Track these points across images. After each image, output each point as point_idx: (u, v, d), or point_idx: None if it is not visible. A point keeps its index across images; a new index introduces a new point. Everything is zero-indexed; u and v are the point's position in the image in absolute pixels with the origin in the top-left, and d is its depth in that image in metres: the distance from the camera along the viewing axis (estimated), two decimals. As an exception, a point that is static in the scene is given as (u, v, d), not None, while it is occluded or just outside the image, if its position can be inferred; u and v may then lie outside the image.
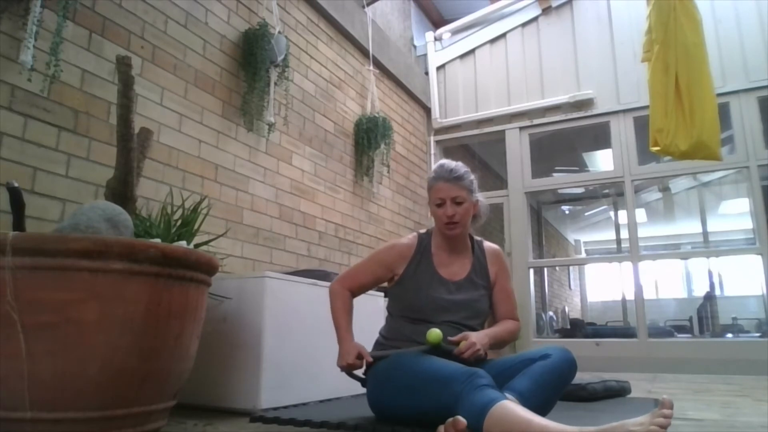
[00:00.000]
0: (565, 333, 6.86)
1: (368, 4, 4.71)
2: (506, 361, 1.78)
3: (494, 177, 7.09)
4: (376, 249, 1.96)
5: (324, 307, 2.51)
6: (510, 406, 1.34)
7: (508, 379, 1.64)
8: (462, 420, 1.30)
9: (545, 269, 8.82)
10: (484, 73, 5.79)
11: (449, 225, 1.83)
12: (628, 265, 5.06)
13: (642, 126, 4.73)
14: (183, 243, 1.79)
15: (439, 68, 5.99)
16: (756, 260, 4.52)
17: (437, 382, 1.51)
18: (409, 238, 1.96)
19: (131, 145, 1.75)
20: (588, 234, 11.86)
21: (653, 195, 8.30)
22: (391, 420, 1.75)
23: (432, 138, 5.86)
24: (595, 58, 5.26)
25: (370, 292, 2.94)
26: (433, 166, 1.95)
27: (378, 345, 1.96)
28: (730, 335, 6.92)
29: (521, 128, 5.51)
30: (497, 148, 5.82)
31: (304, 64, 3.84)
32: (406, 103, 5.43)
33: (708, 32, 3.35)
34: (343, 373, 1.84)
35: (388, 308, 2.00)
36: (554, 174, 7.01)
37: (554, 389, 1.66)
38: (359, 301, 2.80)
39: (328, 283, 2.56)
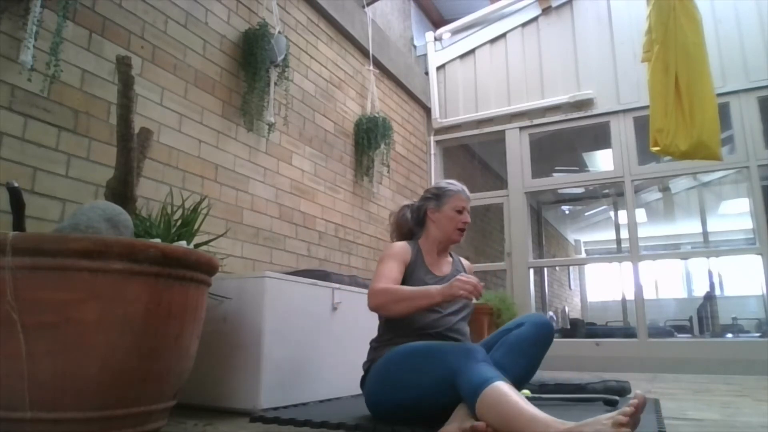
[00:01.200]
0: (565, 333, 6.86)
1: (368, 4, 4.71)
2: (487, 339, 1.90)
3: (494, 177, 7.09)
4: (382, 256, 1.98)
5: (324, 307, 2.52)
6: (503, 390, 1.40)
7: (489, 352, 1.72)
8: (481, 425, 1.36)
9: (545, 269, 8.82)
10: (484, 73, 5.79)
11: (461, 231, 2.05)
12: (628, 265, 5.06)
13: (642, 126, 4.73)
14: (183, 243, 1.79)
15: (439, 68, 5.99)
16: (756, 260, 4.52)
17: (434, 356, 1.61)
18: (400, 242, 2.07)
19: (131, 145, 1.75)
20: (588, 234, 11.87)
21: (653, 195, 8.31)
22: (391, 420, 1.76)
23: (432, 138, 5.86)
24: (595, 58, 5.26)
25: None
26: (442, 182, 2.14)
27: (373, 352, 1.98)
28: (730, 335, 6.93)
29: (521, 128, 5.51)
30: (497, 148, 5.82)
31: (304, 64, 3.84)
32: (406, 103, 5.43)
33: (708, 32, 3.35)
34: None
35: None
36: (554, 174, 7.01)
37: (532, 355, 1.74)
38: (360, 302, 2.81)
39: (328, 284, 2.57)
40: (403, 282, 1.93)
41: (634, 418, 1.23)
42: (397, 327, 1.90)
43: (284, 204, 3.48)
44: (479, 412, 1.41)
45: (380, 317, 2.02)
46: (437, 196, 2.07)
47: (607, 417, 1.26)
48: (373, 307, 1.82)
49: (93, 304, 1.34)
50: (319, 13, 4.07)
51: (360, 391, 2.64)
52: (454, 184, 2.09)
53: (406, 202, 2.22)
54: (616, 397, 2.21)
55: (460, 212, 2.03)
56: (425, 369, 1.62)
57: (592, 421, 1.27)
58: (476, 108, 5.74)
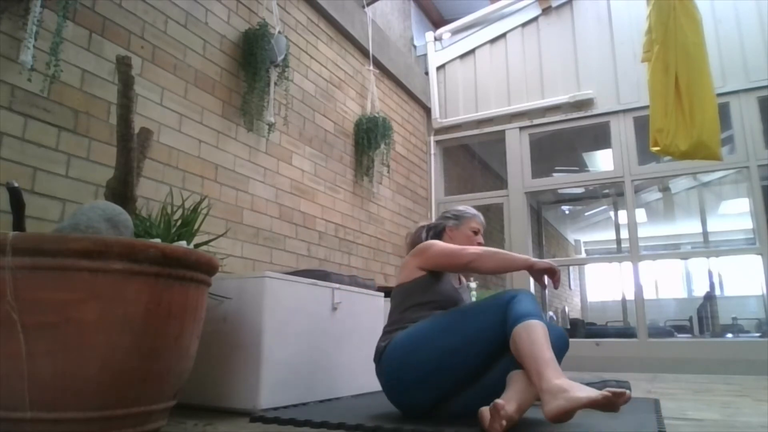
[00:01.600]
0: (565, 333, 6.84)
1: (368, 4, 4.71)
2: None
3: (494, 177, 7.09)
4: (430, 244, 2.07)
5: (324, 307, 2.52)
6: (540, 329, 1.63)
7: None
8: (501, 402, 1.50)
9: (545, 269, 8.78)
10: (484, 73, 5.79)
11: None
12: (628, 265, 5.06)
13: (642, 126, 4.73)
14: (183, 243, 1.79)
15: (439, 68, 5.99)
16: (756, 260, 4.52)
17: (486, 304, 1.81)
18: None
19: (131, 145, 1.75)
20: (588, 234, 11.86)
21: (653, 195, 8.31)
22: (411, 393, 1.82)
23: (432, 138, 5.86)
24: (595, 58, 5.26)
25: (371, 292, 2.96)
26: (460, 206, 2.35)
27: (389, 334, 1.96)
28: (730, 335, 6.93)
29: (521, 128, 5.51)
30: (497, 148, 5.82)
31: (304, 64, 3.84)
32: (406, 103, 5.43)
33: (708, 32, 3.35)
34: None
35: (412, 299, 2.01)
36: (554, 174, 7.01)
37: None
38: (360, 302, 2.82)
39: (328, 284, 2.57)
40: (435, 285, 2.03)
41: (616, 397, 1.40)
42: (417, 317, 1.93)
43: (284, 204, 3.48)
44: (515, 333, 1.65)
45: (397, 305, 2.03)
46: (457, 217, 2.28)
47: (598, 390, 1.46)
48: (468, 259, 1.92)
49: (93, 304, 1.34)
50: (319, 13, 4.07)
51: (359, 391, 2.65)
52: (472, 209, 2.32)
53: (422, 222, 2.38)
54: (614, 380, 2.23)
55: (475, 233, 2.24)
56: (486, 301, 1.83)
57: (588, 387, 1.48)
58: (476, 108, 5.74)
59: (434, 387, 1.80)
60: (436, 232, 2.28)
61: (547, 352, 1.57)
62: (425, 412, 1.85)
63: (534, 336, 1.61)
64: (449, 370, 1.77)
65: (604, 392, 1.41)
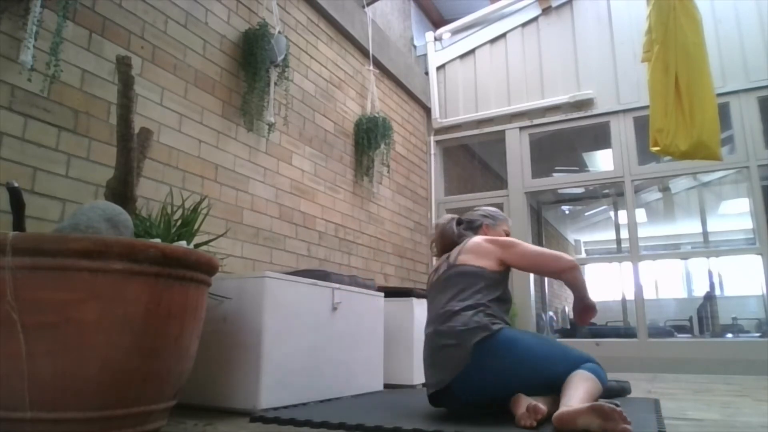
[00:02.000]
0: (565, 333, 6.86)
1: (368, 4, 4.71)
2: None
3: (494, 177, 7.09)
4: (513, 241, 2.15)
5: (324, 307, 2.52)
6: (599, 388, 1.81)
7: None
8: (542, 407, 1.68)
9: (545, 269, 8.77)
10: (484, 73, 5.78)
11: None
12: (628, 265, 5.06)
13: (642, 126, 4.73)
14: (183, 243, 1.79)
15: (439, 68, 5.99)
16: (756, 260, 4.52)
17: (571, 353, 1.97)
18: None
19: (131, 145, 1.75)
20: (588, 234, 11.86)
21: (653, 195, 8.30)
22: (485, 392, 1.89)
23: (432, 138, 5.86)
24: (595, 58, 5.26)
25: (371, 292, 2.96)
26: (490, 208, 2.47)
27: (488, 317, 1.92)
28: (730, 335, 6.93)
29: (521, 128, 5.51)
30: (497, 148, 5.82)
31: (304, 64, 3.84)
32: (406, 103, 5.43)
33: (708, 32, 3.35)
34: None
35: (496, 291, 2.02)
36: (554, 174, 7.01)
37: None
38: (360, 302, 2.82)
39: (328, 284, 2.57)
40: (506, 284, 2.12)
41: (619, 416, 1.50)
42: (504, 317, 2.00)
43: (284, 204, 3.48)
44: (582, 372, 1.82)
45: (481, 289, 1.99)
46: (493, 217, 2.41)
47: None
48: (569, 266, 2.10)
49: (93, 304, 1.35)
50: (319, 13, 4.07)
51: (359, 391, 2.65)
52: (502, 212, 2.46)
53: (449, 215, 2.44)
54: (617, 402, 2.22)
55: (507, 235, 2.37)
56: (558, 358, 1.95)
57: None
58: (476, 108, 5.74)
59: (504, 393, 1.85)
60: (473, 226, 2.36)
61: (587, 395, 1.71)
62: (467, 406, 1.94)
63: (592, 384, 1.78)
64: (525, 389, 1.85)
65: (611, 403, 1.54)
